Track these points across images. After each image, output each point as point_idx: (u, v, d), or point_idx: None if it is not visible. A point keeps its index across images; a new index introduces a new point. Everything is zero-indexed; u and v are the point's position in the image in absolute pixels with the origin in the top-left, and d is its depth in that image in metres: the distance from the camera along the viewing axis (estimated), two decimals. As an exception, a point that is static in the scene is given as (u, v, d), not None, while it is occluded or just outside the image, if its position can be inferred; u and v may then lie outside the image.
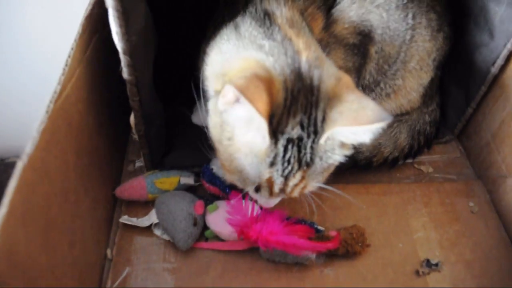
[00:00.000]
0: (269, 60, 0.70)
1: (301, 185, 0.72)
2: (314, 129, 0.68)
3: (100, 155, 0.91)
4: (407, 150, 1.06)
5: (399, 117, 1.07)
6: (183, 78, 0.95)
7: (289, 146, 0.68)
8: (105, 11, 0.70)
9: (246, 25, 0.78)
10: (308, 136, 0.68)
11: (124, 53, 0.74)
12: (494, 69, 0.95)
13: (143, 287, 0.87)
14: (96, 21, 0.83)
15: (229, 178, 0.76)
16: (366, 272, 0.90)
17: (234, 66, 0.72)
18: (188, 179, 0.97)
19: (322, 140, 0.68)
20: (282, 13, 0.78)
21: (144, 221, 0.94)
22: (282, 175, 0.70)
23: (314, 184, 0.74)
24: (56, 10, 1.16)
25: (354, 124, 0.65)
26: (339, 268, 0.91)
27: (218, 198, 0.96)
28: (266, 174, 0.70)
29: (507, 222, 0.98)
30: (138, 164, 1.06)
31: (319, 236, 0.90)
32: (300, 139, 0.68)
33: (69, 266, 0.73)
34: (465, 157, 1.14)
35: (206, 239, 0.93)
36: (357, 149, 1.00)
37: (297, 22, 0.78)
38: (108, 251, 0.91)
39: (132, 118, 0.88)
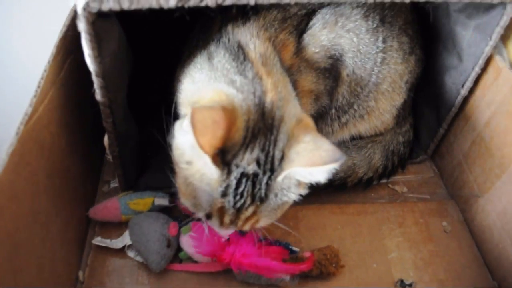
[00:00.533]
0: (238, 97, 0.72)
1: (253, 220, 0.73)
2: (271, 167, 0.70)
3: (73, 176, 0.91)
4: (381, 170, 1.08)
5: (373, 138, 1.08)
6: (159, 100, 0.95)
7: (243, 180, 0.69)
8: (79, 33, 0.70)
9: (219, 56, 0.79)
10: (264, 173, 0.70)
11: (97, 75, 0.75)
12: (464, 91, 0.97)
13: (115, 309, 0.86)
14: (70, 43, 0.84)
15: (184, 202, 0.77)
16: (340, 293, 0.91)
17: (205, 96, 0.74)
18: (162, 200, 0.97)
19: (279, 178, 0.70)
20: (255, 47, 0.79)
21: (117, 243, 0.93)
22: (233, 207, 0.71)
23: (266, 220, 0.75)
24: (31, 31, 1.16)
25: (309, 165, 0.67)
26: (313, 289, 0.91)
27: (192, 219, 0.96)
28: (218, 203, 0.71)
29: (480, 241, 1.00)
30: (113, 185, 1.06)
31: (294, 257, 0.90)
32: (255, 175, 0.70)
33: (38, 289, 0.73)
34: (439, 177, 1.15)
35: (180, 261, 0.93)
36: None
37: (269, 58, 0.79)
38: (80, 273, 0.90)
39: (106, 139, 0.88)
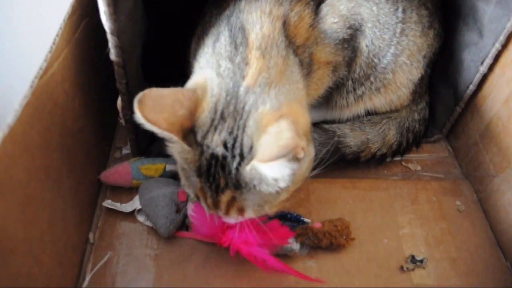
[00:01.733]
0: (213, 81, 0.72)
1: (235, 206, 0.72)
2: (240, 152, 0.68)
3: (86, 138, 0.91)
4: (396, 147, 1.06)
5: (388, 114, 1.07)
6: (173, 66, 0.95)
7: (213, 162, 0.69)
8: (95, -6, 0.70)
9: (222, 39, 0.79)
10: (233, 157, 0.68)
11: (112, 33, 0.75)
12: (483, 68, 0.95)
13: (124, 272, 0.86)
14: (86, 5, 0.84)
15: (181, 183, 0.77)
16: (350, 265, 0.90)
17: (192, 81, 0.76)
18: (173, 167, 0.96)
19: (247, 168, 0.66)
20: (261, 27, 0.77)
21: (127, 207, 0.93)
22: (210, 188, 0.70)
23: (253, 211, 0.72)
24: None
25: (262, 160, 0.63)
26: (323, 261, 0.90)
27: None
28: (197, 183, 0.71)
29: (493, 221, 0.98)
30: (125, 151, 1.06)
31: (304, 227, 0.89)
32: (224, 157, 0.68)
33: (48, 244, 0.73)
34: (453, 157, 1.14)
35: (187, 227, 0.93)
36: (345, 144, 1.00)
37: (273, 39, 0.77)
38: (91, 235, 0.91)
39: (119, 102, 0.87)
